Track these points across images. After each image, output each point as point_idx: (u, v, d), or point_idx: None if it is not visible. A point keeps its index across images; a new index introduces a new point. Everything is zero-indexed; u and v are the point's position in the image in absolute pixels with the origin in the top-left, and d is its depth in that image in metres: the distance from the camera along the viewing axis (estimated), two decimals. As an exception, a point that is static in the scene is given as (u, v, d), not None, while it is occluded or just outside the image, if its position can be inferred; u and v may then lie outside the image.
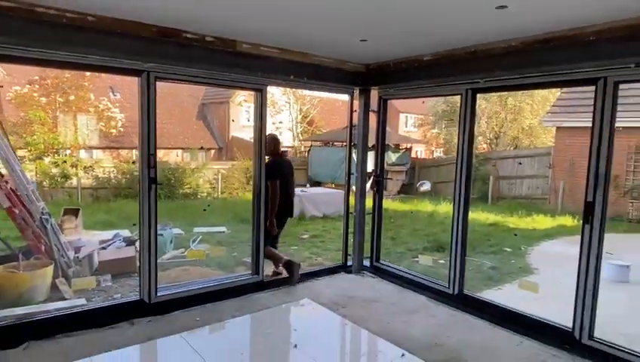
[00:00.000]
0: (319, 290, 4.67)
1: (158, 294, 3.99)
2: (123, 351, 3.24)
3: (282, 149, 5.74)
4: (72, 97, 13.92)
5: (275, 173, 4.82)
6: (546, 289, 4.79)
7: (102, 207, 11.14)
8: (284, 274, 4.86)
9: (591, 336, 3.40)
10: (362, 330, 3.74)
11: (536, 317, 3.79)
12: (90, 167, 12.78)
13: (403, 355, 3.29)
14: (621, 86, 3.24)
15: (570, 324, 3.50)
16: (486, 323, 3.94)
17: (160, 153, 20.61)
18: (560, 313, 3.60)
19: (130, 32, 3.45)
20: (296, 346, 3.37)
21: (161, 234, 5.80)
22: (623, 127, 11.18)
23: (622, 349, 3.25)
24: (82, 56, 3.38)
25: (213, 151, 23.07)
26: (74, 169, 12.35)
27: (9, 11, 2.94)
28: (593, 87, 3.32)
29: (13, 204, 4.90)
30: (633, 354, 3.19)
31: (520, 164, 13.95)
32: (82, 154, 15.06)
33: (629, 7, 2.73)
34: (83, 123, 14.99)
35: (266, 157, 4.72)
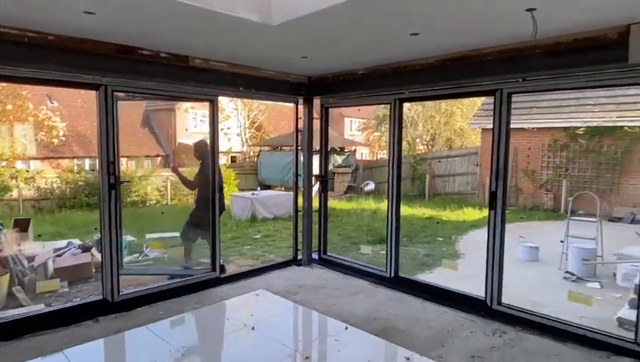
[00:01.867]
0: (272, 281, 5.07)
1: (121, 293, 4.22)
2: (93, 343, 3.48)
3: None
4: (9, 107, 13.28)
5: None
6: (469, 270, 5.50)
7: (47, 218, 10.79)
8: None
9: (499, 302, 4.08)
10: (311, 311, 4.21)
11: (458, 291, 4.45)
12: (32, 178, 12.27)
13: (346, 328, 3.79)
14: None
15: (482, 294, 4.17)
16: (418, 299, 4.54)
17: (104, 162, 20.01)
18: (478, 287, 4.26)
19: (89, 49, 3.69)
20: (253, 328, 3.77)
21: (116, 240, 5.92)
22: (538, 128, 12.60)
23: (521, 310, 3.96)
24: (43, 72, 3.58)
25: (159, 159, 22.63)
26: (14, 180, 11.82)
27: (-28, 31, 3.12)
28: (493, 97, 4.00)
29: (-36, 215, 4.87)
30: (528, 313, 3.91)
31: (439, 162, 15.19)
32: (20, 165, 14.36)
33: (513, 33, 3.39)
34: (22, 133, 14.31)
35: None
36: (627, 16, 2.97)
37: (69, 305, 4.28)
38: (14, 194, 11.82)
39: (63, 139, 15.66)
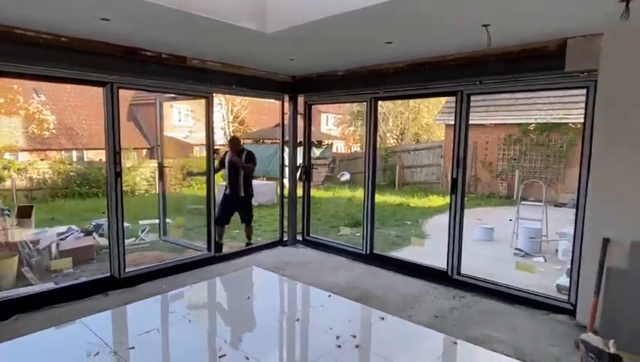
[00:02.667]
0: (262, 259, 5.34)
1: (127, 270, 4.40)
2: (106, 312, 3.67)
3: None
4: (0, 100, 12.88)
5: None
6: (434, 248, 5.90)
7: (41, 207, 10.63)
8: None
9: (459, 273, 4.48)
10: (298, 283, 4.51)
11: (424, 265, 4.83)
12: (24, 168, 12.03)
13: (330, 296, 4.10)
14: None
15: (445, 266, 4.56)
16: (390, 272, 4.90)
17: (90, 154, 19.57)
18: (441, 262, 4.64)
19: (98, 50, 3.83)
20: (249, 297, 4.04)
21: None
22: (495, 124, 13.19)
23: (477, 279, 4.37)
24: (55, 70, 3.69)
25: (144, 151, 22.31)
26: (7, 171, 11.58)
27: (-7, 33, 3.22)
28: (454, 97, 4.35)
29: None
30: (483, 281, 4.32)
31: (410, 153, 15.75)
32: (7, 156, 13.98)
33: (472, 43, 3.73)
34: (13, 125, 13.92)
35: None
36: (565, 31, 3.36)
37: (80, 281, 4.43)
38: (7, 184, 11.58)
39: (54, 131, 15.30)
